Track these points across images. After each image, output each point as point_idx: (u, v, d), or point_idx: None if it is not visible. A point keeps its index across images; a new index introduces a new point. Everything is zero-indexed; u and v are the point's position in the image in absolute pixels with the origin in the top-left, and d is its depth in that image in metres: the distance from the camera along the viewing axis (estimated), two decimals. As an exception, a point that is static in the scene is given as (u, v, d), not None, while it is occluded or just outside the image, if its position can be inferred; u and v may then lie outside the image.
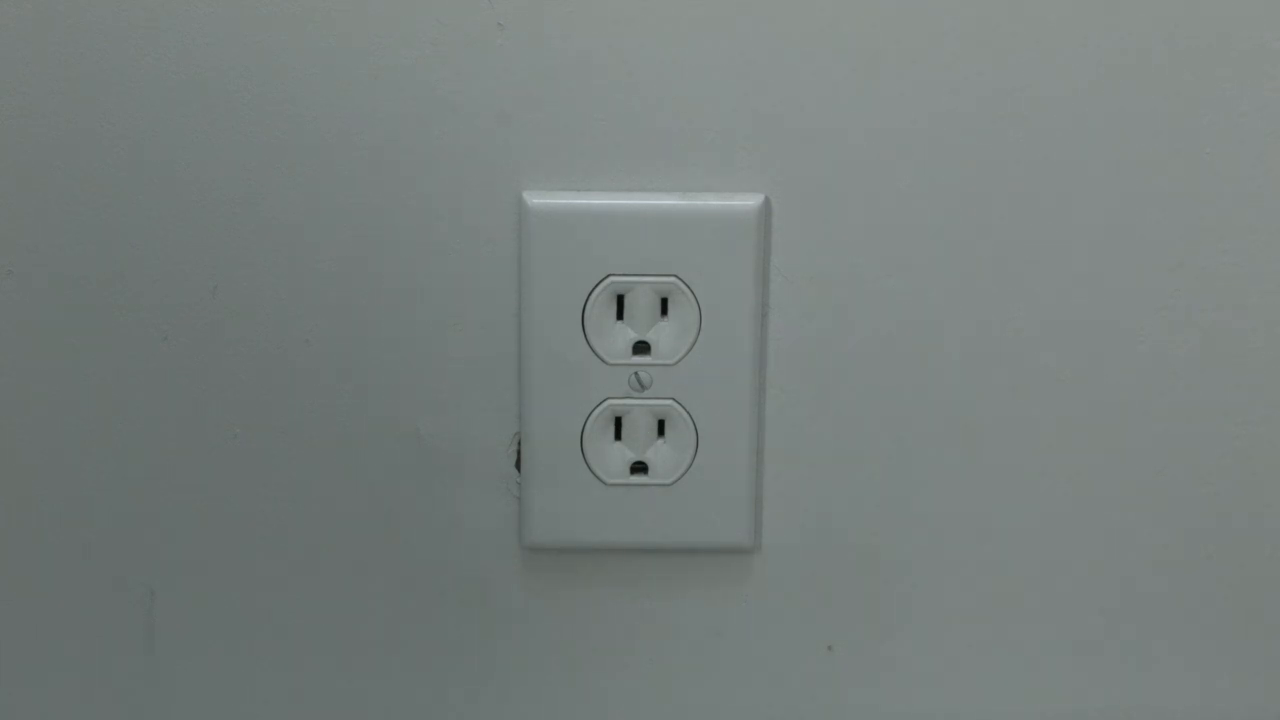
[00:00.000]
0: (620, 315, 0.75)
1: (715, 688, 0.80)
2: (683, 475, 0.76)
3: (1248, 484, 0.78)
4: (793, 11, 0.72)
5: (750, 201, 0.74)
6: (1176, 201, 0.74)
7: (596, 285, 0.74)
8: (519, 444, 0.77)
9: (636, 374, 0.75)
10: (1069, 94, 0.73)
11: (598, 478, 0.76)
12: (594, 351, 0.75)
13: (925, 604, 0.79)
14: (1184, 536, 0.78)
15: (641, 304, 0.74)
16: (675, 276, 0.74)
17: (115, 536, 0.78)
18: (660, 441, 0.76)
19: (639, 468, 0.77)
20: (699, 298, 0.74)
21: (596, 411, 0.76)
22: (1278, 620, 0.80)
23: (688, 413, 0.76)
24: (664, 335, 0.75)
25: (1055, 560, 0.79)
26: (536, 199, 0.73)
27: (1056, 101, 0.73)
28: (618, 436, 0.76)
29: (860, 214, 0.74)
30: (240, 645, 0.80)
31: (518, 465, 0.77)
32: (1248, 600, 0.79)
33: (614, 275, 0.74)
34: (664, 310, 0.75)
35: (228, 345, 0.76)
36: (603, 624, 0.79)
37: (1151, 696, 0.81)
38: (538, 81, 0.72)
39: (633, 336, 0.75)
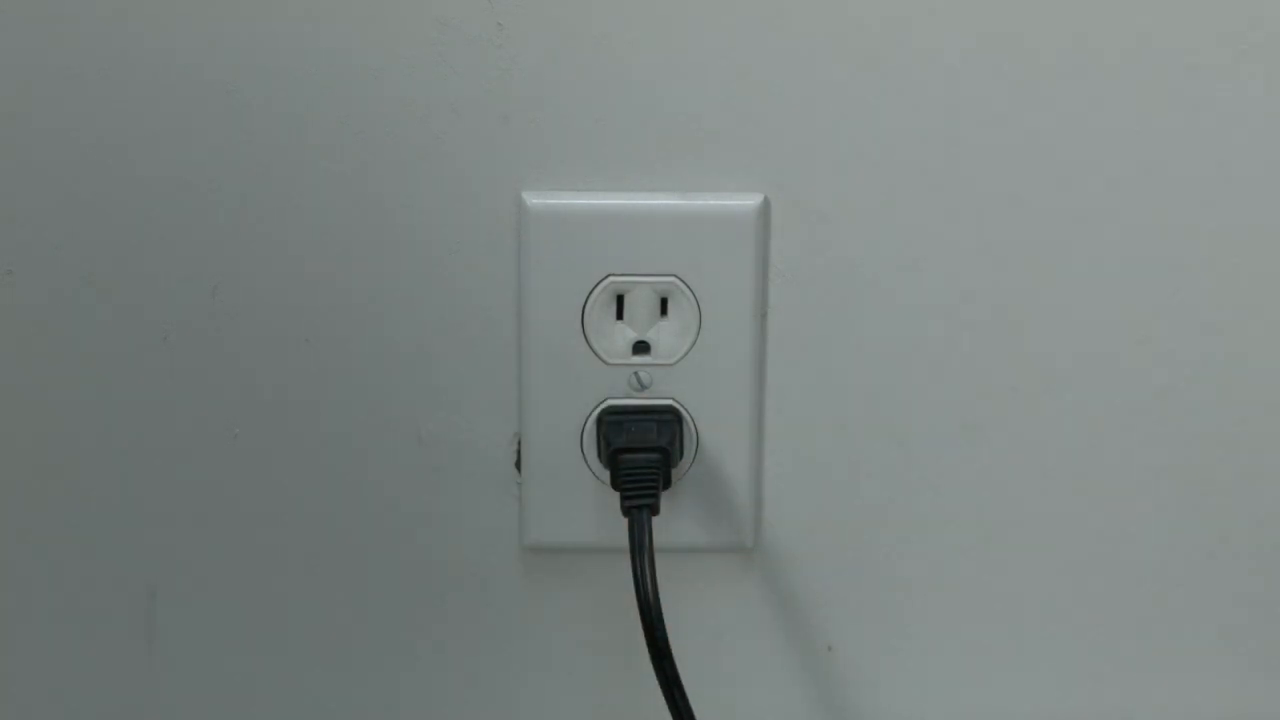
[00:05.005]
0: (620, 315, 0.75)
1: (715, 688, 0.80)
2: (683, 475, 0.76)
3: (1248, 484, 0.78)
4: (792, 11, 0.72)
5: (750, 201, 0.74)
6: (1176, 201, 0.74)
7: (596, 285, 0.74)
8: (519, 444, 0.77)
9: (636, 374, 0.75)
10: (1069, 94, 0.73)
11: (598, 478, 0.76)
12: (594, 351, 0.75)
13: (925, 604, 0.79)
14: (1184, 536, 0.78)
15: (641, 304, 0.74)
16: (675, 276, 0.74)
17: (115, 536, 0.78)
18: (660, 441, 0.76)
19: (639, 468, 0.77)
20: (699, 298, 0.74)
21: (596, 411, 0.76)
22: (1278, 620, 0.80)
23: (688, 413, 0.76)
24: (664, 335, 0.75)
25: (1055, 560, 0.79)
26: (536, 199, 0.73)
27: (1056, 101, 0.73)
28: (618, 436, 0.76)
29: (860, 214, 0.74)
30: (240, 645, 0.80)
31: (518, 465, 0.77)
32: (1248, 600, 0.79)
33: (614, 275, 0.74)
34: (664, 310, 0.75)
35: (228, 345, 0.76)
36: (603, 624, 0.79)
37: (1151, 696, 0.81)
38: (538, 81, 0.72)
39: (632, 336, 0.75)
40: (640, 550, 0.71)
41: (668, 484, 0.75)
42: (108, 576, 0.78)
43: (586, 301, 0.74)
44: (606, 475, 0.75)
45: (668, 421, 0.75)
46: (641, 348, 0.75)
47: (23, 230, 0.74)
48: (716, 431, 0.76)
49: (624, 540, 0.72)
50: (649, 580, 0.71)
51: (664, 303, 0.75)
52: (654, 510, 0.73)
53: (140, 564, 0.78)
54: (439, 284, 0.75)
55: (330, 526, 0.78)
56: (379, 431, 0.77)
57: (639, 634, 0.71)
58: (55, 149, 0.73)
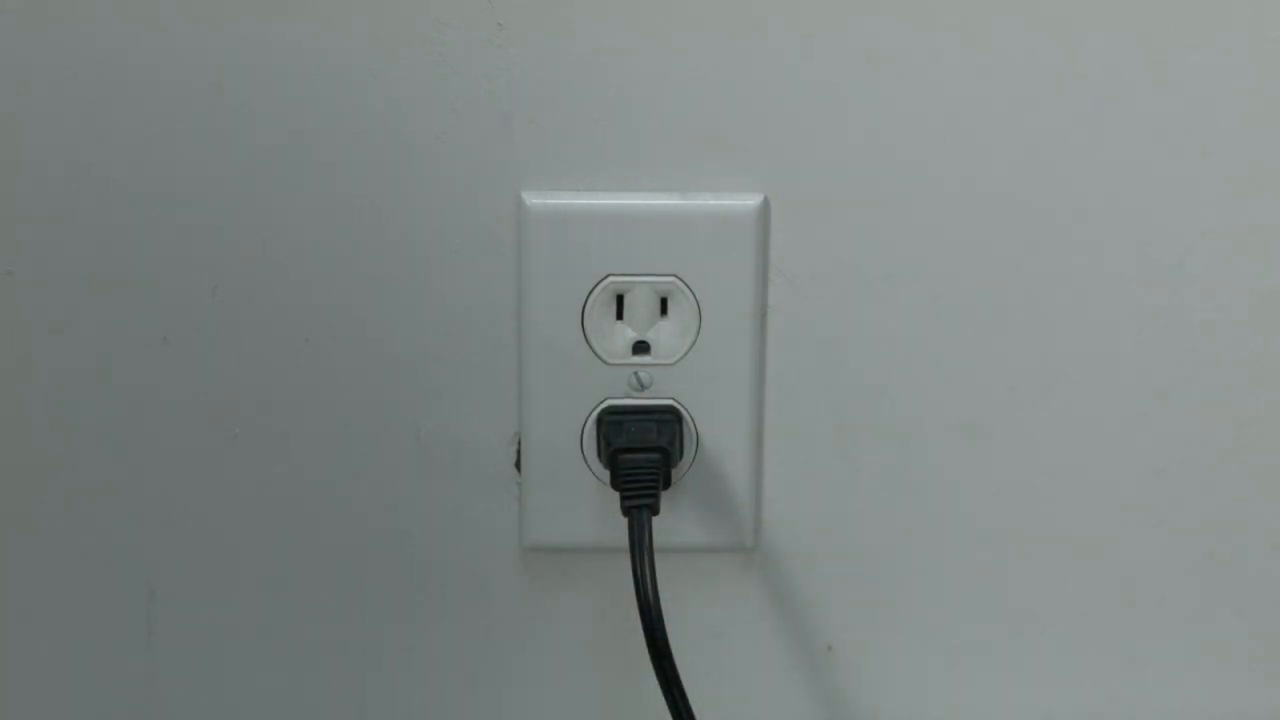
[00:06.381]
0: (620, 315, 0.75)
1: (715, 688, 0.80)
2: (683, 475, 0.76)
3: (1248, 484, 0.78)
4: (792, 11, 0.72)
5: (750, 201, 0.74)
6: (1176, 201, 0.74)
7: (596, 285, 0.74)
8: (519, 444, 0.77)
9: (636, 374, 0.75)
10: (1069, 94, 0.73)
11: (597, 478, 0.76)
12: (594, 351, 0.75)
13: (925, 604, 0.79)
14: (1184, 536, 0.78)
15: (641, 304, 0.74)
16: (675, 276, 0.74)
17: (115, 536, 0.78)
18: (660, 442, 0.76)
19: (639, 468, 0.77)
20: (699, 298, 0.74)
21: (596, 411, 0.76)
22: (1278, 620, 0.80)
23: (688, 413, 0.76)
24: (664, 335, 0.75)
25: (1055, 560, 0.79)
26: (536, 199, 0.73)
27: (1056, 101, 0.73)
28: (618, 437, 0.76)
29: (860, 214, 0.74)
30: (240, 645, 0.80)
31: (518, 465, 0.77)
32: (1248, 600, 0.79)
33: (614, 275, 0.74)
34: (664, 310, 0.75)
35: (228, 345, 0.76)
36: (603, 624, 0.79)
37: (1152, 696, 0.81)
38: (538, 81, 0.72)
39: (632, 336, 0.75)
40: (640, 550, 0.71)
41: (668, 484, 0.75)
42: (108, 576, 0.78)
43: (586, 301, 0.74)
44: (606, 475, 0.75)
45: (668, 421, 0.75)
46: (641, 348, 0.75)
47: (23, 230, 0.74)
48: (716, 431, 0.76)
49: (624, 540, 0.72)
50: (649, 580, 0.71)
51: (664, 303, 0.75)
52: (654, 510, 0.73)
53: (140, 564, 0.78)
54: (439, 284, 0.75)
55: (330, 526, 0.78)
56: (378, 431, 0.77)
57: (639, 634, 0.71)
58: (55, 149, 0.73)
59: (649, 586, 0.71)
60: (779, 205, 0.74)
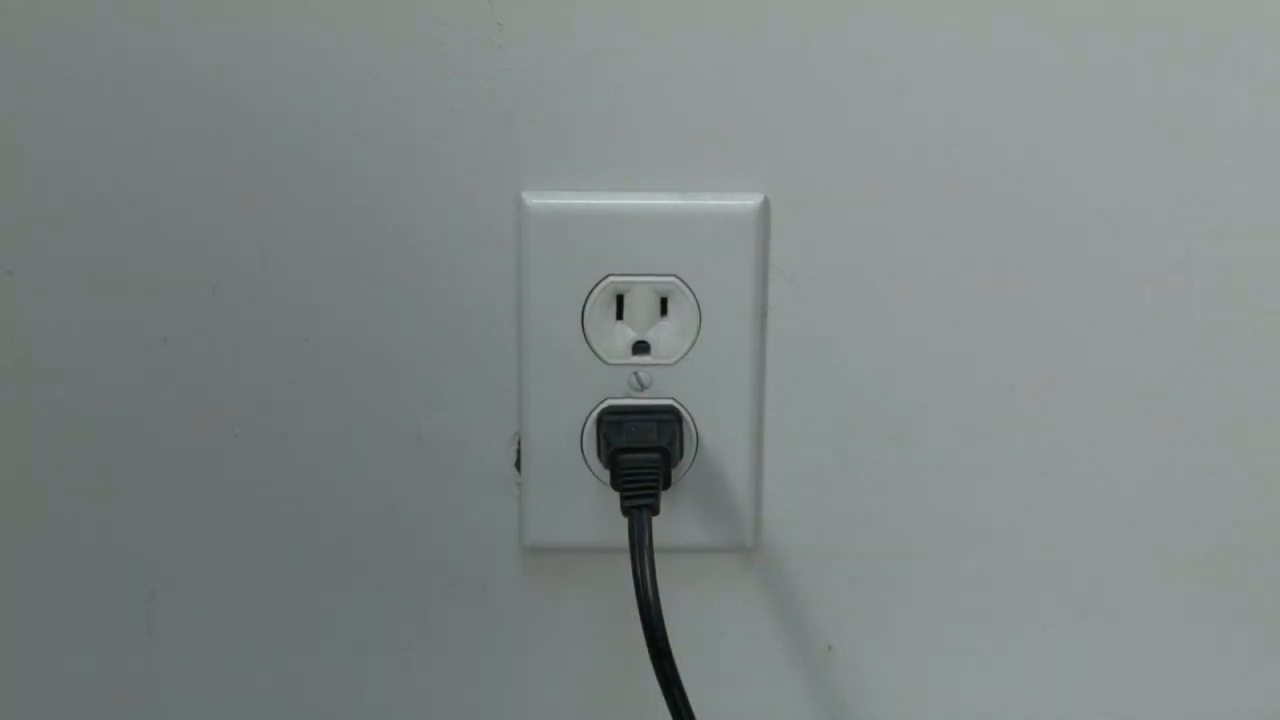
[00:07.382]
0: (620, 315, 0.75)
1: (715, 688, 0.80)
2: (683, 475, 0.76)
3: (1248, 484, 0.78)
4: (792, 11, 0.72)
5: (749, 201, 0.74)
6: (1177, 200, 0.74)
7: (596, 285, 0.74)
8: (519, 444, 0.77)
9: (636, 374, 0.75)
10: (1068, 93, 0.73)
11: (598, 478, 0.76)
12: (594, 351, 0.75)
13: (925, 604, 0.79)
14: (1184, 536, 0.78)
15: (641, 304, 0.74)
16: (675, 276, 0.74)
17: (115, 536, 0.78)
18: (660, 442, 0.76)
19: (639, 468, 0.77)
20: (699, 298, 0.74)
21: (596, 411, 0.76)
22: (1278, 620, 0.80)
23: (688, 413, 0.76)
24: (664, 335, 0.75)
25: (1055, 560, 0.79)
26: (535, 199, 0.73)
27: (1056, 101, 0.73)
28: (618, 437, 0.76)
29: (860, 214, 0.74)
30: (240, 645, 0.80)
31: (518, 465, 0.77)
32: (1248, 600, 0.79)
33: (614, 275, 0.74)
34: (664, 310, 0.75)
35: (228, 345, 0.76)
36: (603, 624, 0.79)
37: (1152, 696, 0.81)
38: (538, 81, 0.72)
39: (632, 336, 0.75)
40: (640, 550, 0.71)
41: (668, 484, 0.75)
42: (108, 576, 0.78)
43: (586, 301, 0.74)
44: (606, 475, 0.75)
45: (668, 421, 0.75)
46: (641, 348, 0.75)
47: (23, 230, 0.74)
48: (716, 431, 0.76)
49: (624, 540, 0.72)
50: (649, 580, 0.71)
51: (664, 303, 0.75)
52: (654, 510, 0.73)
53: (140, 564, 0.78)
54: (439, 284, 0.75)
55: (330, 526, 0.78)
56: (378, 431, 0.77)
57: (639, 634, 0.71)
58: (55, 149, 0.73)
59: (649, 586, 0.71)
60: (779, 205, 0.74)
